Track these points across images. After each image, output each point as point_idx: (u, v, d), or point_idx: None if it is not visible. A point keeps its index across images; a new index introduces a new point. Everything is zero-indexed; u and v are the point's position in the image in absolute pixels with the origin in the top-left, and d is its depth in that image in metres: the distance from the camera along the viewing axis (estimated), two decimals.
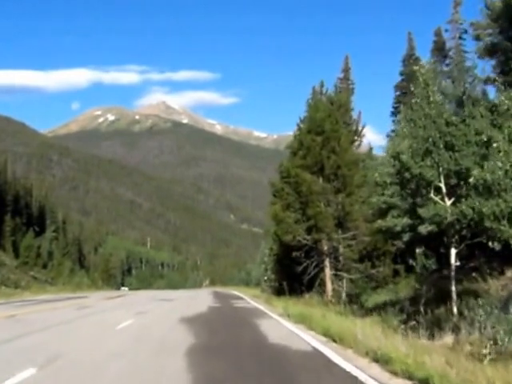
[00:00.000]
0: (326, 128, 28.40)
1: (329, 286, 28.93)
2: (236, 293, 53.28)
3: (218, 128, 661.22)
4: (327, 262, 29.12)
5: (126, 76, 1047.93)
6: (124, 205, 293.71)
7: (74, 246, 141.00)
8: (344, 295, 28.84)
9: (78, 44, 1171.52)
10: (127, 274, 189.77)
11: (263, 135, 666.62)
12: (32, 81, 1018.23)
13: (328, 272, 29.06)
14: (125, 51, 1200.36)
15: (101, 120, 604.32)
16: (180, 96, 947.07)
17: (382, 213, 28.29)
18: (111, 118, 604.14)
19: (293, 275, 35.77)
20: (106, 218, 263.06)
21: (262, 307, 27.68)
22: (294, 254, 29.58)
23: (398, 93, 47.63)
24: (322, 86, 31.91)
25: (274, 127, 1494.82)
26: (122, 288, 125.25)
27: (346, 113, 29.82)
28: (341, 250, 29.15)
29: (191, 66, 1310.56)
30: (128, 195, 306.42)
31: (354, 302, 27.54)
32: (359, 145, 29.64)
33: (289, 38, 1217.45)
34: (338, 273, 29.35)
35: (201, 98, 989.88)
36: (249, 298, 39.33)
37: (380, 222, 27.12)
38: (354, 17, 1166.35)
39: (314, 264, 29.56)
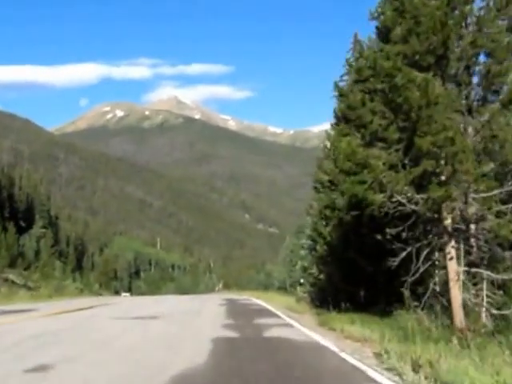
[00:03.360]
0: None
1: (457, 297, 14.46)
2: (259, 302, 38.76)
3: (232, 124, 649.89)
4: (451, 249, 14.63)
5: (137, 70, 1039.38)
6: (133, 204, 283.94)
7: (73, 245, 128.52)
8: (484, 315, 14.56)
9: (86, 38, 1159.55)
10: (135, 276, 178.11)
11: (279, 131, 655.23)
12: (39, 77, 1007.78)
13: (454, 268, 14.56)
14: (135, 44, 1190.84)
15: (109, 116, 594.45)
16: (192, 90, 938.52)
17: None
18: (120, 114, 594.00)
19: (363, 276, 21.82)
20: (115, 217, 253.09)
21: (327, 343, 13.40)
22: (389, 231, 15.26)
23: None
24: None
25: (291, 122, 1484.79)
26: (124, 294, 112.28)
27: None
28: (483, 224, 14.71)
29: (204, 59, 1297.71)
30: (138, 194, 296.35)
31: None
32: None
33: (306, 25, 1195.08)
34: (473, 269, 14.90)
35: (214, 92, 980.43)
36: (283, 314, 24.97)
37: None
38: None
39: (422, 253, 15.21)
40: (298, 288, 36.04)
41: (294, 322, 20.16)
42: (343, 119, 17.93)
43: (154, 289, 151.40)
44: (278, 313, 25.57)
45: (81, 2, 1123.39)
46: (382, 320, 17.81)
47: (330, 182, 25.27)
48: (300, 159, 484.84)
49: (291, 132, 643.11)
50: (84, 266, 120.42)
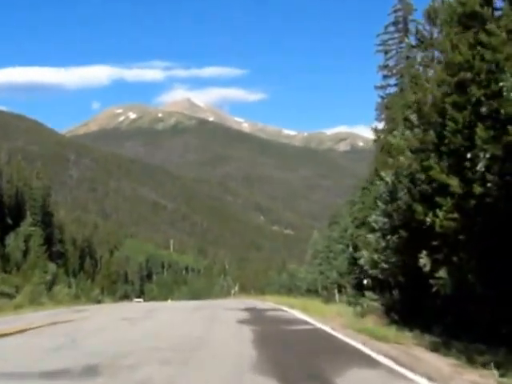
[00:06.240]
0: None
1: None
2: (298, 314, 25.25)
3: (246, 126, 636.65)
4: None
5: (150, 73, 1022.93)
6: (147, 206, 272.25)
7: (79, 248, 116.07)
8: None
9: (99, 40, 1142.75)
10: (147, 280, 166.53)
11: (293, 133, 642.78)
12: (50, 78, 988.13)
13: None
14: (149, 47, 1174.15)
15: (122, 118, 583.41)
16: (205, 93, 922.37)
17: None
18: (133, 116, 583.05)
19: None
20: (127, 220, 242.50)
21: None
22: None
23: None
24: None
25: (304, 125, 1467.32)
26: (136, 299, 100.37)
27: None
28: None
29: (217, 62, 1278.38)
30: (151, 196, 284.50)
31: None
32: None
33: (319, 25, 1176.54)
34: None
35: (226, 94, 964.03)
36: (374, 352, 11.69)
37: None
38: None
39: None
40: (368, 294, 22.63)
41: None
42: None
43: (167, 292, 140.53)
44: (363, 348, 12.36)
45: (94, 3, 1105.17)
46: None
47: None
48: (314, 161, 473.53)
49: (305, 134, 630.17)
50: (86, 270, 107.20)
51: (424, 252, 13.46)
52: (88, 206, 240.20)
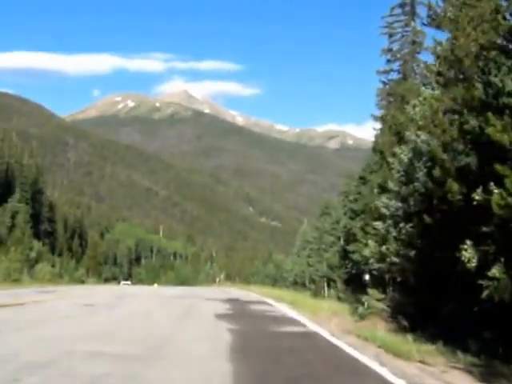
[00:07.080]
0: None
1: None
2: (287, 311, 21.35)
3: (240, 119, 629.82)
4: None
5: (150, 63, 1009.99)
6: (140, 192, 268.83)
7: (70, 228, 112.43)
8: None
9: (103, 29, 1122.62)
10: (135, 263, 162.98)
11: (285, 129, 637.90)
12: (53, 64, 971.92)
13: None
14: (151, 38, 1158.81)
15: (120, 106, 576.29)
16: (202, 85, 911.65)
17: None
18: (131, 104, 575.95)
19: None
20: (120, 204, 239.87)
21: None
22: None
23: None
24: None
25: (296, 121, 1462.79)
26: (123, 282, 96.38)
27: None
28: None
29: (215, 56, 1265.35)
30: (144, 183, 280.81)
31: None
32: None
33: (315, 28, 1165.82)
34: None
35: (223, 88, 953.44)
36: None
37: None
38: None
39: None
40: (372, 293, 18.64)
41: None
42: None
43: (154, 277, 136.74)
44: (384, 372, 8.47)
45: None
46: None
47: None
48: (304, 157, 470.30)
49: (297, 130, 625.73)
50: (74, 250, 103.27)
51: (468, 242, 9.64)
52: (83, 188, 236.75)
